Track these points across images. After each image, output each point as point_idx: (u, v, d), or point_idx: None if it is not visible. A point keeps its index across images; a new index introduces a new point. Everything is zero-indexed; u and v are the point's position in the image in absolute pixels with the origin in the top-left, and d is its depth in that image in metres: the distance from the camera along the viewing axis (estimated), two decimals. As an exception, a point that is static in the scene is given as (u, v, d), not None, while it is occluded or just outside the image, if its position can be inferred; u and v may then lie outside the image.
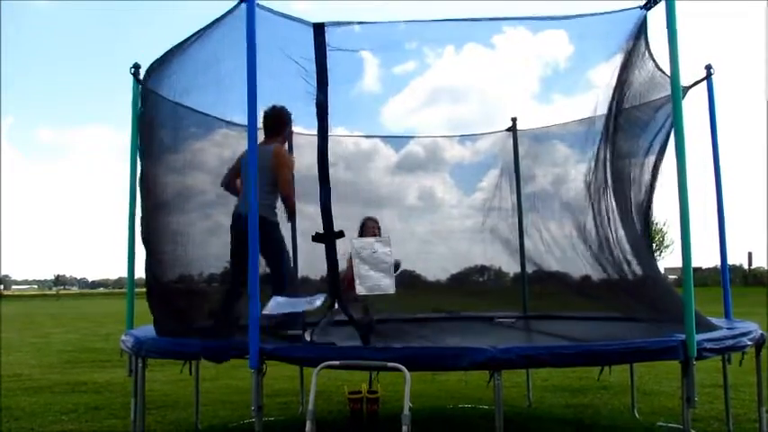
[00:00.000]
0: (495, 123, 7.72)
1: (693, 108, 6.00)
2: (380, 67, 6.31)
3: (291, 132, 6.18)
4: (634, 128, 5.91)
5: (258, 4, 4.53)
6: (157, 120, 5.61)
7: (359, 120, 6.87)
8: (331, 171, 5.26)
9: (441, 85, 7.25)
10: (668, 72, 5.30)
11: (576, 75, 6.58)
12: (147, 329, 5.41)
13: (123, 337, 5.29)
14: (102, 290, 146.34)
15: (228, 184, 5.75)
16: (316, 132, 6.68)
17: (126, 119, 5.59)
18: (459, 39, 5.99)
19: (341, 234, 5.15)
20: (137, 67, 5.57)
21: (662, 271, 5.92)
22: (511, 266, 7.61)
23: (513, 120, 7.49)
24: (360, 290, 4.61)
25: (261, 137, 5.44)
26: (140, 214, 5.36)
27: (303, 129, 7.10)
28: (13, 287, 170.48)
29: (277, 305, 4.70)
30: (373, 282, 4.70)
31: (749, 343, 4.70)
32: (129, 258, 5.57)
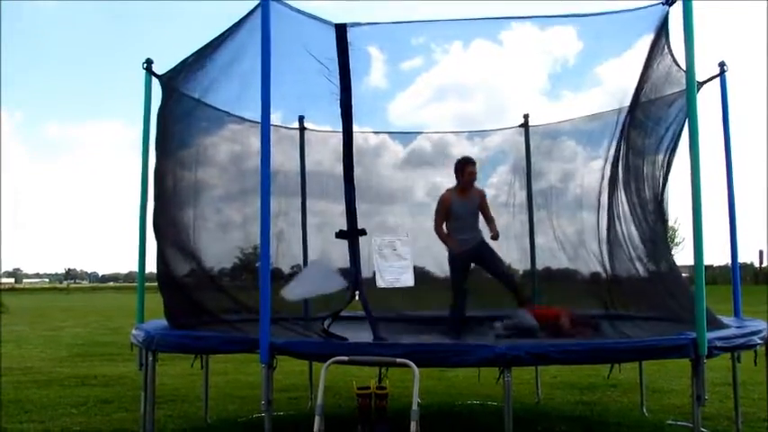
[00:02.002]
0: (502, 120, 7.69)
1: (707, 104, 5.98)
2: (387, 63, 6.32)
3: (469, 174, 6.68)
4: (648, 123, 5.88)
5: (282, 3, 4.56)
6: (178, 116, 5.63)
7: (366, 116, 6.88)
8: (340, 168, 5.33)
9: (448, 81, 7.24)
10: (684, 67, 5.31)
11: (587, 71, 6.55)
12: (157, 324, 5.44)
13: (134, 331, 5.32)
14: (112, 284, 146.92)
15: (437, 228, 6.67)
16: (328, 130, 6.73)
17: (135, 114, 5.63)
18: (466, 35, 5.99)
19: (363, 232, 5.25)
20: (149, 62, 5.58)
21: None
22: (521, 263, 7.58)
23: (525, 116, 7.45)
24: (380, 284, 4.69)
25: (274, 133, 5.46)
26: (153, 208, 5.38)
27: (314, 125, 7.14)
28: (25, 281, 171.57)
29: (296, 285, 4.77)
30: (393, 276, 4.76)
31: (759, 342, 4.68)
32: (139, 253, 5.59)
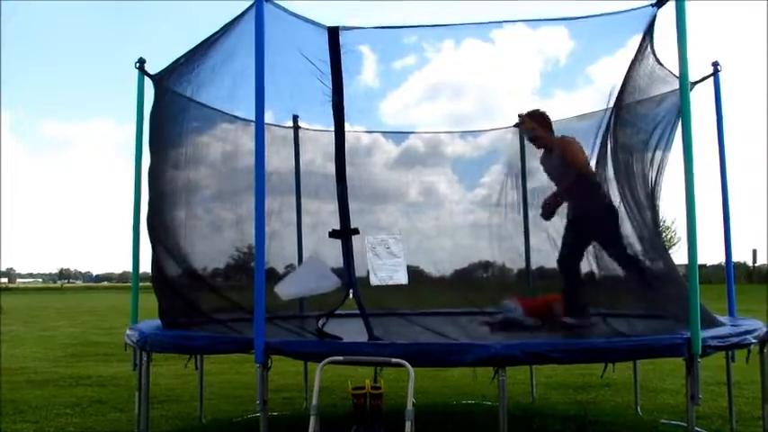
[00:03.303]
0: (494, 118, 7.69)
1: (699, 104, 5.99)
2: (379, 62, 6.32)
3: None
4: (636, 123, 5.90)
5: (274, 4, 4.57)
6: (170, 116, 5.63)
7: (358, 115, 6.88)
8: (331, 167, 5.35)
9: (440, 80, 7.23)
10: (668, 66, 5.33)
11: (578, 70, 6.56)
12: (151, 324, 5.43)
13: (128, 332, 5.31)
14: (105, 284, 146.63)
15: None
16: (320, 128, 6.73)
17: (128, 113, 5.64)
18: (458, 34, 6.01)
19: (356, 231, 5.26)
20: (142, 61, 5.58)
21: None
22: (515, 263, 7.60)
23: (520, 116, 7.44)
24: (373, 281, 4.69)
25: (269, 132, 5.47)
26: (147, 208, 5.37)
27: (307, 124, 7.15)
28: (18, 280, 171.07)
29: (290, 283, 4.77)
30: (386, 274, 4.76)
31: (754, 340, 4.69)
32: (133, 252, 5.57)
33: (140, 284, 5.72)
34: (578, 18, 5.36)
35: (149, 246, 5.36)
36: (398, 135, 7.68)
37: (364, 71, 6.16)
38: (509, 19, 5.58)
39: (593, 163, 5.97)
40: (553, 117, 7.16)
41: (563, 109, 6.99)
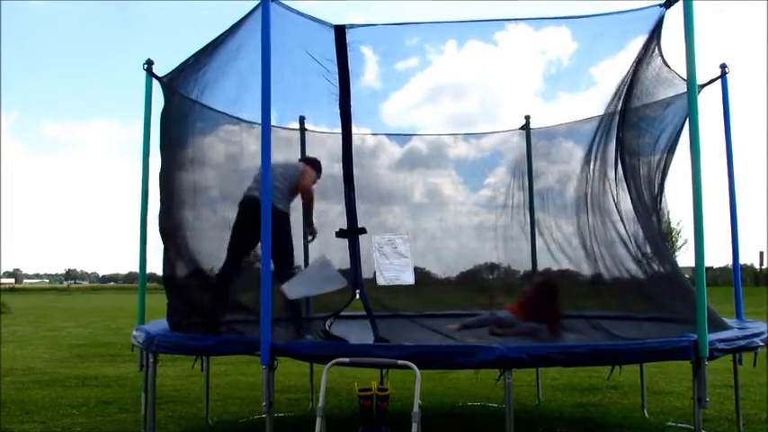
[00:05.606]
0: (497, 120, 7.69)
1: (707, 106, 5.97)
2: (382, 63, 6.33)
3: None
4: (643, 125, 5.89)
5: (281, 4, 4.58)
6: (180, 118, 5.64)
7: (362, 116, 6.89)
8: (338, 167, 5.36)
9: (442, 81, 7.22)
10: (675, 68, 5.31)
11: (581, 72, 6.55)
12: (158, 324, 5.44)
13: (135, 332, 5.33)
14: (112, 284, 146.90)
15: None
16: (326, 130, 6.75)
17: (132, 114, 5.66)
18: (460, 35, 6.01)
19: (363, 230, 5.27)
20: (150, 63, 5.59)
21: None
22: (521, 264, 7.59)
23: (527, 118, 7.44)
24: (380, 281, 4.71)
25: (274, 133, 5.48)
26: (159, 209, 5.39)
27: (313, 124, 7.15)
28: (25, 281, 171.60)
29: (295, 286, 4.77)
30: (393, 274, 4.77)
31: (761, 343, 4.68)
32: (140, 253, 5.59)
33: (147, 285, 5.72)
34: (582, 17, 5.34)
35: (156, 246, 5.38)
36: (402, 137, 7.67)
37: (366, 72, 6.17)
38: (512, 17, 5.56)
39: (603, 167, 5.97)
40: (557, 119, 7.16)
41: (567, 111, 6.99)
